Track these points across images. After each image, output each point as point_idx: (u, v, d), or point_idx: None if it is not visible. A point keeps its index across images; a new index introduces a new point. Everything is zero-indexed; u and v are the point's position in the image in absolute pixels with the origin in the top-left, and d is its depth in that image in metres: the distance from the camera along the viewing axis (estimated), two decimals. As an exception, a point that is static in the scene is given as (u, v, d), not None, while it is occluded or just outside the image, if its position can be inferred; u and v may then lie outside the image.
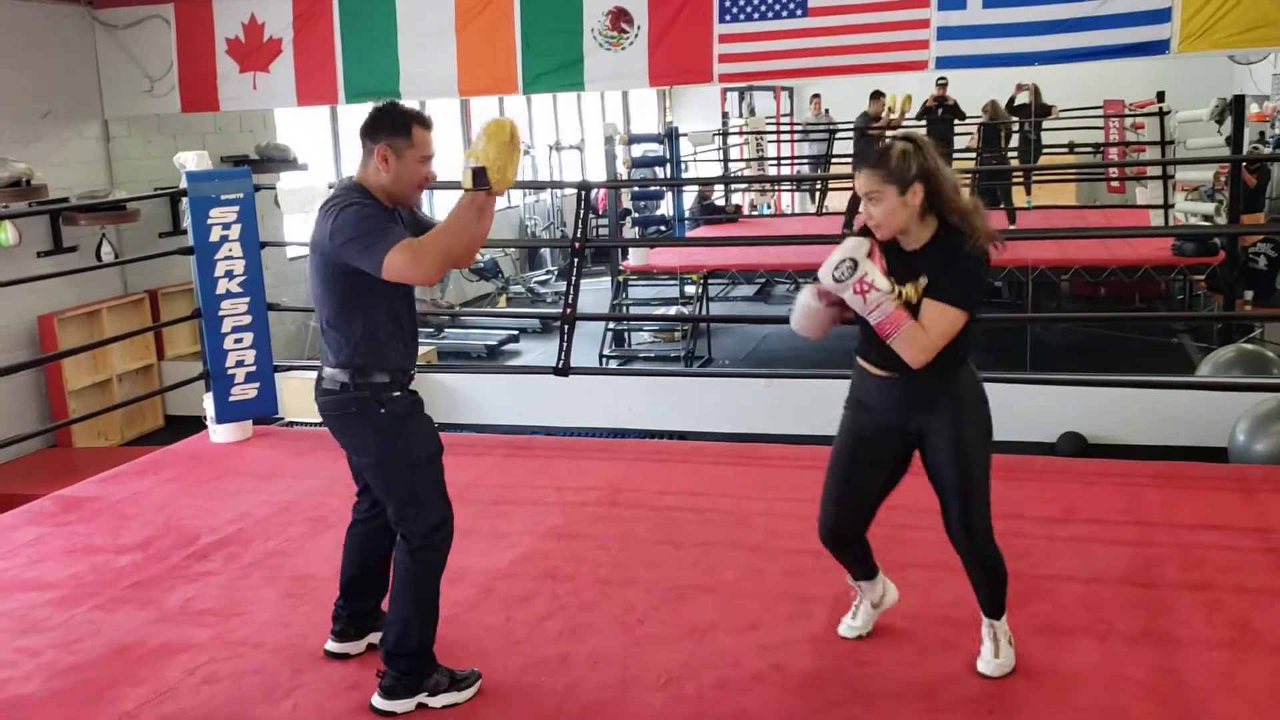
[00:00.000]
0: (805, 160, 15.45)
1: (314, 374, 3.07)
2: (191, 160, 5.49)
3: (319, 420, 3.08)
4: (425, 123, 2.89)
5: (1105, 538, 3.92)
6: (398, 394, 2.95)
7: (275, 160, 9.33)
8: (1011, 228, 11.16)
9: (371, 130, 2.88)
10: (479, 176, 2.71)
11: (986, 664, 3.03)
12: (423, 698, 2.95)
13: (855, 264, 2.71)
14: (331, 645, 3.27)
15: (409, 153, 2.86)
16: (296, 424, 6.50)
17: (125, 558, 4.11)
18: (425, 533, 2.93)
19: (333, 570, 3.72)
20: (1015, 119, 13.34)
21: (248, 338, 5.56)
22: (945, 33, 6.39)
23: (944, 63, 6.51)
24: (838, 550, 3.12)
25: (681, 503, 4.41)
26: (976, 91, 12.63)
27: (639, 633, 3.33)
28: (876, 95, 11.80)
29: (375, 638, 3.19)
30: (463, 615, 3.47)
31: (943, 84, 12.27)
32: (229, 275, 5.50)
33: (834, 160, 13.98)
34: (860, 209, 2.82)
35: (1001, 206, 10.97)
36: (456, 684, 3.00)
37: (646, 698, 2.98)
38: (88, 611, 3.64)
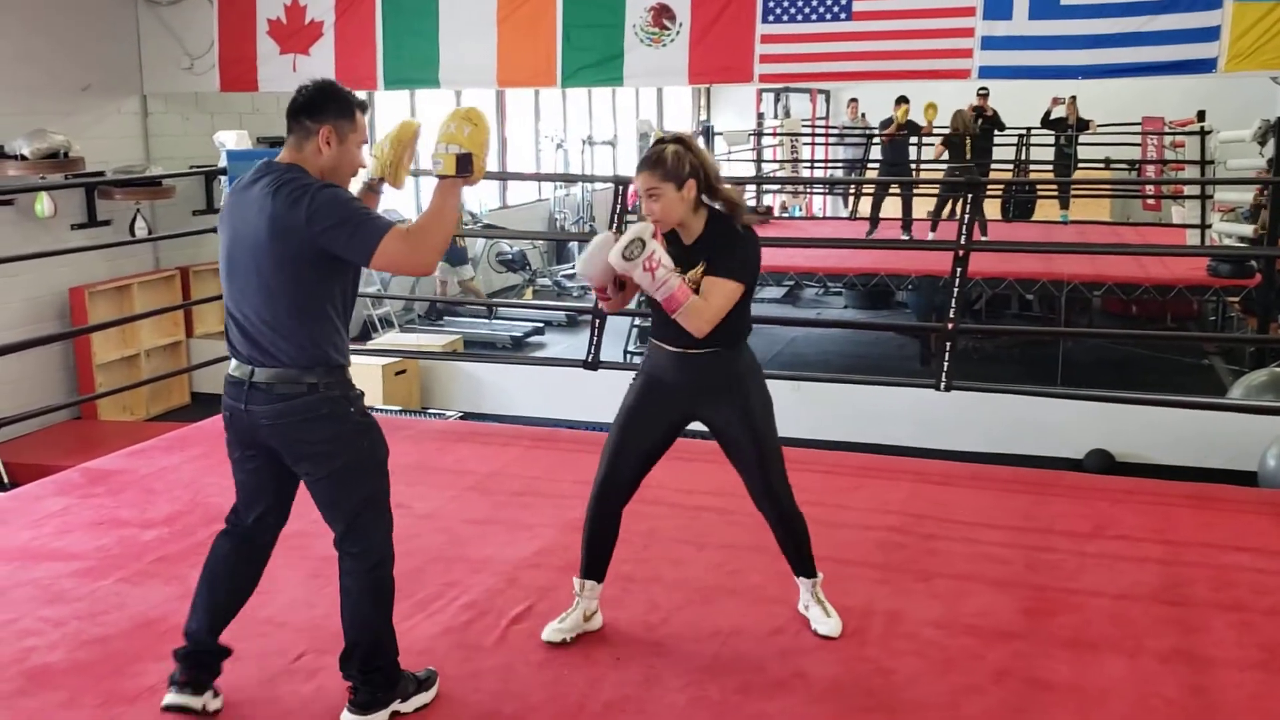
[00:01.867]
0: (840, 164, 15.38)
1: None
2: (231, 139, 5.54)
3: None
4: (364, 107, 2.78)
5: (1135, 555, 3.88)
6: (359, 391, 2.78)
7: (311, 143, 9.36)
8: (984, 239, 11.03)
9: (315, 110, 2.67)
10: (464, 163, 2.69)
11: (823, 625, 3.27)
12: (396, 705, 2.85)
13: (643, 244, 2.88)
14: (179, 698, 2.80)
15: (352, 137, 2.71)
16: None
17: (151, 532, 4.12)
18: (382, 544, 2.78)
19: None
20: (1052, 131, 13.26)
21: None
22: (990, 43, 6.35)
23: (987, 73, 6.46)
24: (602, 510, 3.20)
25: (706, 503, 4.38)
26: (1016, 103, 12.55)
27: (662, 631, 3.32)
28: (900, 100, 11.80)
29: (210, 699, 2.84)
30: (483, 602, 3.47)
31: (984, 94, 12.20)
32: (263, 255, 5.50)
33: (870, 165, 13.91)
34: (643, 207, 2.99)
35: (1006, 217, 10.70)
36: (421, 685, 2.91)
37: (669, 698, 2.96)
38: (113, 584, 3.65)
